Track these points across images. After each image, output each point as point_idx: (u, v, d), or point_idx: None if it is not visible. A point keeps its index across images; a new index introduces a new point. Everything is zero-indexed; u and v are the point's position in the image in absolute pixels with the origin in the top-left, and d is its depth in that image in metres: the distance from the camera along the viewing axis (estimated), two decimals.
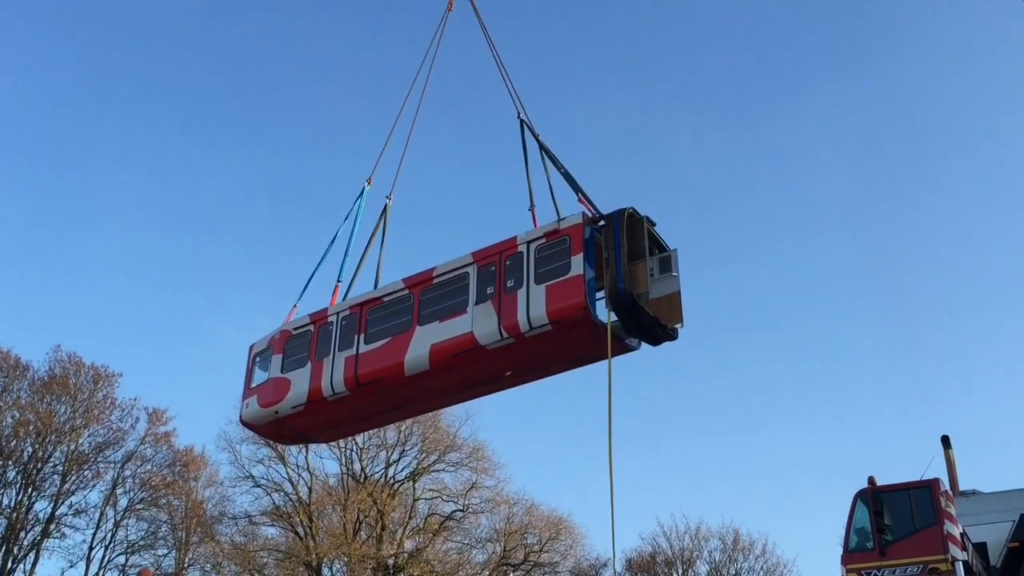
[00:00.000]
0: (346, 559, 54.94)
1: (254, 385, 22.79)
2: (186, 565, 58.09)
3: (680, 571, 58.96)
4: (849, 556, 20.68)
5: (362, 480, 58.06)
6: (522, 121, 22.68)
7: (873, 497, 20.58)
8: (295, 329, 22.56)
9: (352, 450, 58.99)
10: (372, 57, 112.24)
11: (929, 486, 20.81)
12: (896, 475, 22.01)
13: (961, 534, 20.02)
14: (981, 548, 21.56)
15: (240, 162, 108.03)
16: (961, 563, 19.03)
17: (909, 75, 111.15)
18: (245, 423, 23.58)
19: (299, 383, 21.63)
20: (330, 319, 21.98)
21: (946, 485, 21.96)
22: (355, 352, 21.00)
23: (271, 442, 56.69)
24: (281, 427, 22.88)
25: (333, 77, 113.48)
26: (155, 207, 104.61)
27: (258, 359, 23.01)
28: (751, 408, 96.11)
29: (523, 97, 22.95)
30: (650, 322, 19.19)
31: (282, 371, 22.10)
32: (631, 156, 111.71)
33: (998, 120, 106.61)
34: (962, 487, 24.66)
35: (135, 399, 58.75)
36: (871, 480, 21.00)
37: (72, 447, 55.49)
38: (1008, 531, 21.00)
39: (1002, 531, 21.43)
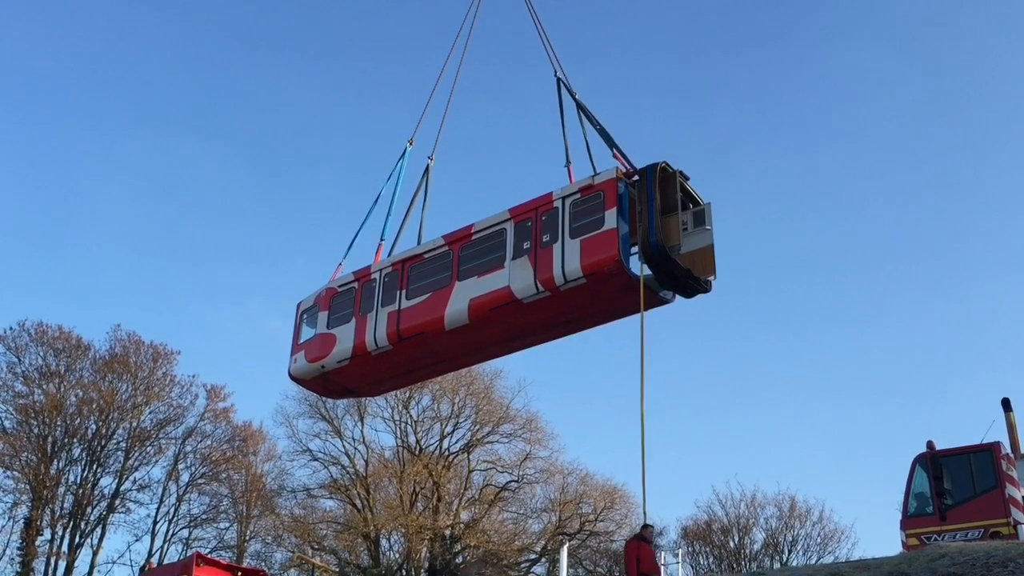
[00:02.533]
0: (403, 530, 55.75)
1: (302, 341, 23.61)
2: (248, 538, 59.38)
3: (736, 539, 58.63)
4: (909, 521, 20.49)
5: (417, 452, 58.72)
6: (559, 79, 23.18)
7: (932, 462, 20.33)
8: (340, 286, 23.32)
9: (407, 423, 59.79)
10: (396, 33, 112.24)
11: (990, 449, 20.49)
12: (956, 439, 21.87)
13: (1023, 497, 19.75)
14: None
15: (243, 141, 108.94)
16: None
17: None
18: (293, 377, 24.37)
19: (344, 338, 22.43)
20: (373, 276, 22.68)
21: (1007, 448, 21.67)
22: (397, 307, 21.69)
23: (327, 416, 58.27)
24: (327, 381, 23.69)
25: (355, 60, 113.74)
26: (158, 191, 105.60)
27: (305, 316, 23.81)
28: (809, 372, 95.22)
29: (560, 56, 23.48)
30: (683, 275, 19.59)
31: (328, 327, 22.90)
32: (669, 113, 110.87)
33: None
34: None
35: (194, 376, 59.89)
36: (930, 444, 20.78)
37: (134, 424, 56.82)
38: None
39: None
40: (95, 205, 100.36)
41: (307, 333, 23.62)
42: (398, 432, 59.89)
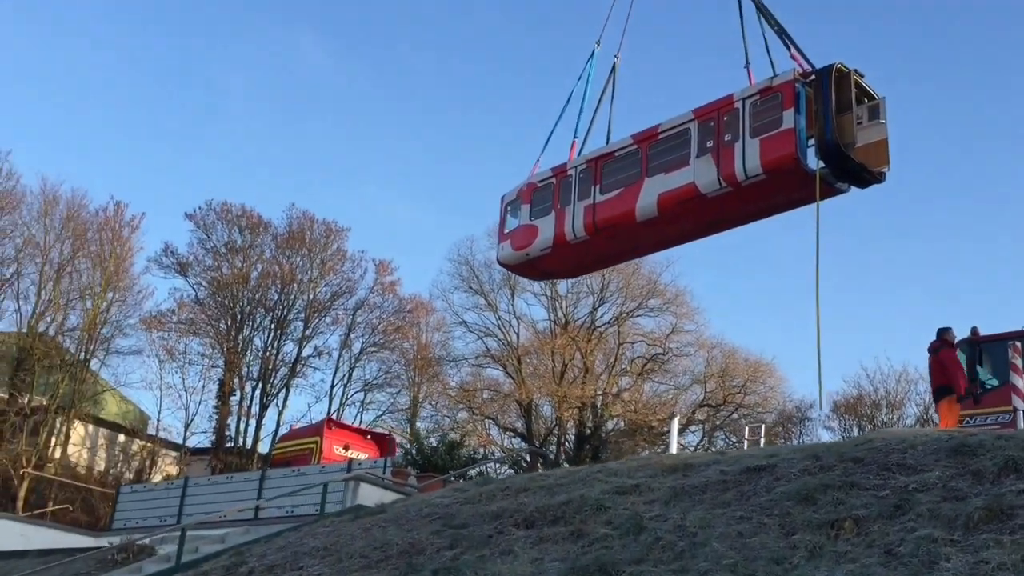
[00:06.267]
0: (553, 399, 58.80)
1: (507, 231, 25.98)
2: (420, 402, 63.28)
3: (885, 413, 57.47)
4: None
5: (566, 326, 61.11)
6: None
7: (972, 347, 20.96)
8: (540, 181, 25.42)
9: (555, 299, 62.17)
10: None
11: (1009, 340, 20.83)
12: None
13: None
14: None
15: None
16: (1021, 412, 19.32)
17: None
18: (501, 263, 27.14)
19: (545, 229, 24.62)
20: (569, 172, 24.76)
21: None
22: (592, 201, 23.77)
23: (480, 291, 61.31)
24: (532, 267, 26.23)
25: None
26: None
27: (509, 208, 26.07)
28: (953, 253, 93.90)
29: None
30: (857, 168, 21.03)
31: (530, 218, 25.16)
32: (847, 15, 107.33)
33: None
34: None
35: (363, 252, 62.97)
36: (974, 331, 21.19)
37: (311, 296, 60.63)
38: None
39: None
40: (228, 102, 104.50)
41: (511, 224, 25.87)
42: (549, 306, 62.44)
